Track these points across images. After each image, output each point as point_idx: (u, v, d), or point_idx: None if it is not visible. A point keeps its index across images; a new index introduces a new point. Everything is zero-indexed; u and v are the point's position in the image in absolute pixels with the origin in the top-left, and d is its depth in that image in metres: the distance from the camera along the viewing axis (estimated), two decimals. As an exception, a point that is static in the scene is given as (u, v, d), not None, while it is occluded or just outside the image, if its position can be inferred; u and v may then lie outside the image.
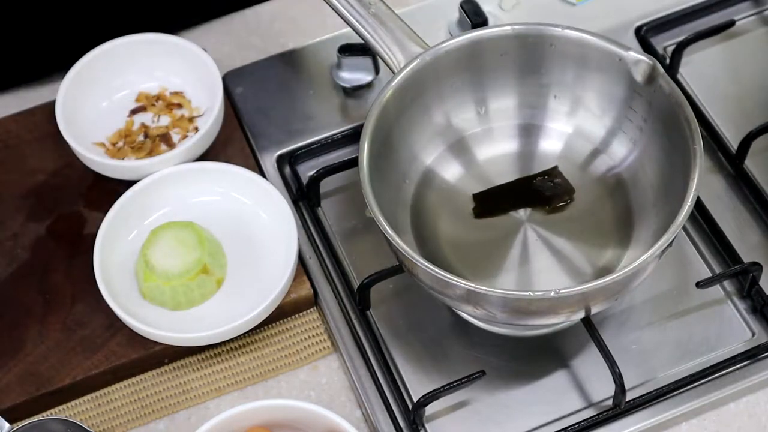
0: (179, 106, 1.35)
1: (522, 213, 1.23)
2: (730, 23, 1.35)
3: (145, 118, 1.34)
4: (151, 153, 1.31)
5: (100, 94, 1.35)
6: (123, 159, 1.31)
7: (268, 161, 1.32)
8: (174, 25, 1.41)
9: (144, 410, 1.21)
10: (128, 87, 1.36)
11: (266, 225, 1.26)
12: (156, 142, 1.32)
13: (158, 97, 1.35)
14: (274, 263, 1.23)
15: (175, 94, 1.36)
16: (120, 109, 1.35)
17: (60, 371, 1.20)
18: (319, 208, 1.29)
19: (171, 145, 1.32)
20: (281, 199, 1.25)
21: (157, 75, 1.36)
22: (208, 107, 1.33)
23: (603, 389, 1.17)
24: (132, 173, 1.28)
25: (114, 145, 1.32)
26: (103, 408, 1.21)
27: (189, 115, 1.34)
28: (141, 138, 1.32)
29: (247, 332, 1.22)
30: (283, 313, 1.23)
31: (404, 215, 1.22)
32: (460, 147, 1.26)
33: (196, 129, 1.33)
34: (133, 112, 1.35)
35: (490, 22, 1.37)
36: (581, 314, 1.14)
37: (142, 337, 1.20)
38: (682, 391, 1.17)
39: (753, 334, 1.20)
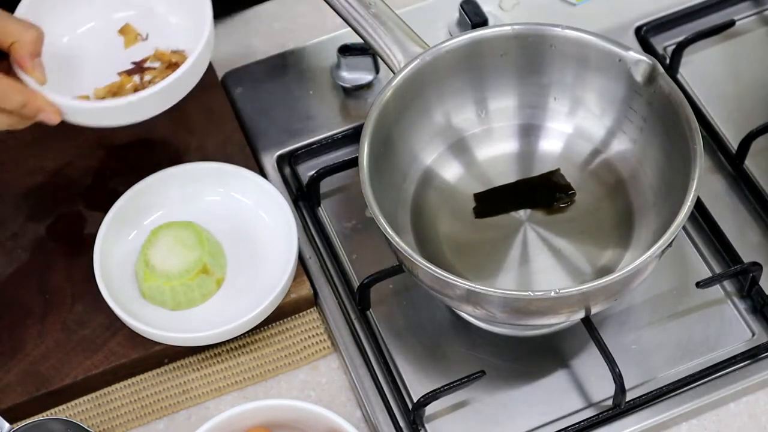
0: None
1: (522, 213, 1.23)
2: (730, 23, 1.35)
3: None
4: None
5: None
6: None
7: (268, 161, 1.32)
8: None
9: (144, 410, 1.21)
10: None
11: (266, 225, 1.26)
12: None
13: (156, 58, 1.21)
14: (274, 263, 1.23)
15: (176, 53, 1.21)
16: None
17: (60, 371, 1.20)
18: (319, 208, 1.29)
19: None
20: (281, 199, 1.25)
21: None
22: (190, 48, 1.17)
23: (603, 389, 1.17)
24: (110, 114, 1.15)
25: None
26: (103, 408, 1.21)
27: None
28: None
29: (247, 332, 1.22)
30: (283, 313, 1.23)
31: (404, 215, 1.22)
32: (460, 147, 1.26)
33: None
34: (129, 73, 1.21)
35: (490, 22, 1.37)
36: (581, 314, 1.14)
37: (142, 337, 1.20)
38: (682, 391, 1.17)
39: (753, 334, 1.20)
